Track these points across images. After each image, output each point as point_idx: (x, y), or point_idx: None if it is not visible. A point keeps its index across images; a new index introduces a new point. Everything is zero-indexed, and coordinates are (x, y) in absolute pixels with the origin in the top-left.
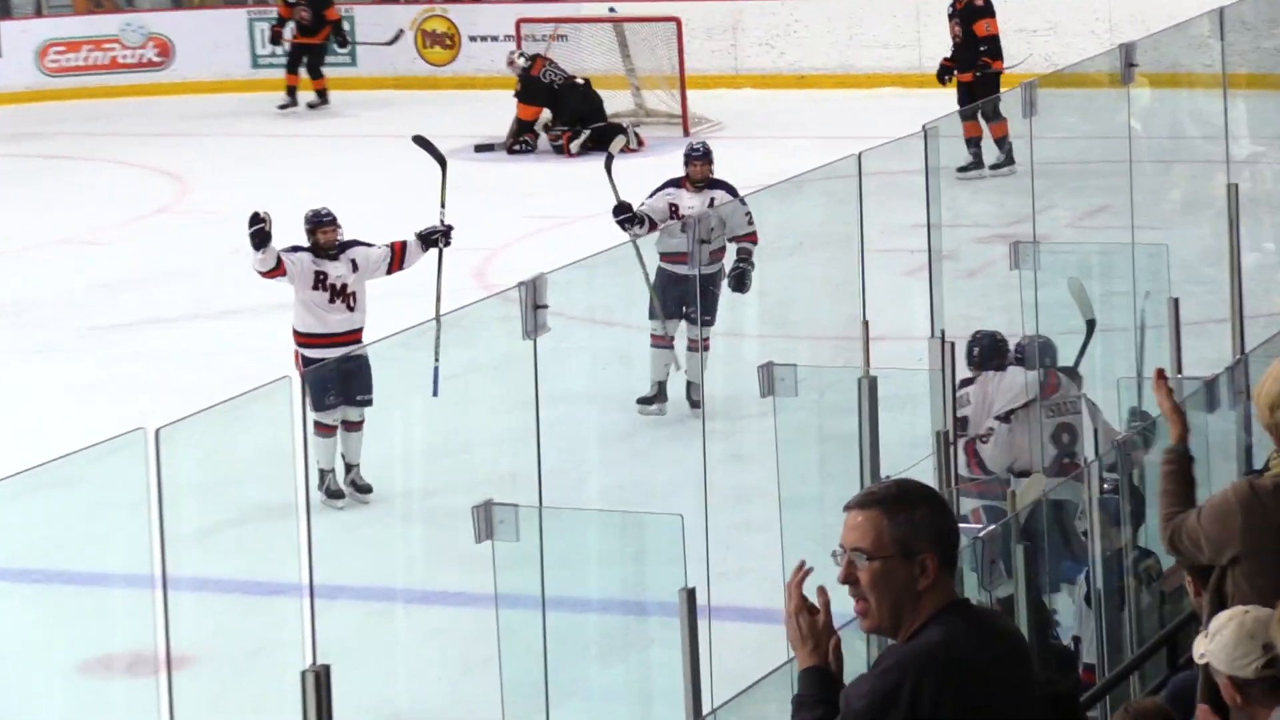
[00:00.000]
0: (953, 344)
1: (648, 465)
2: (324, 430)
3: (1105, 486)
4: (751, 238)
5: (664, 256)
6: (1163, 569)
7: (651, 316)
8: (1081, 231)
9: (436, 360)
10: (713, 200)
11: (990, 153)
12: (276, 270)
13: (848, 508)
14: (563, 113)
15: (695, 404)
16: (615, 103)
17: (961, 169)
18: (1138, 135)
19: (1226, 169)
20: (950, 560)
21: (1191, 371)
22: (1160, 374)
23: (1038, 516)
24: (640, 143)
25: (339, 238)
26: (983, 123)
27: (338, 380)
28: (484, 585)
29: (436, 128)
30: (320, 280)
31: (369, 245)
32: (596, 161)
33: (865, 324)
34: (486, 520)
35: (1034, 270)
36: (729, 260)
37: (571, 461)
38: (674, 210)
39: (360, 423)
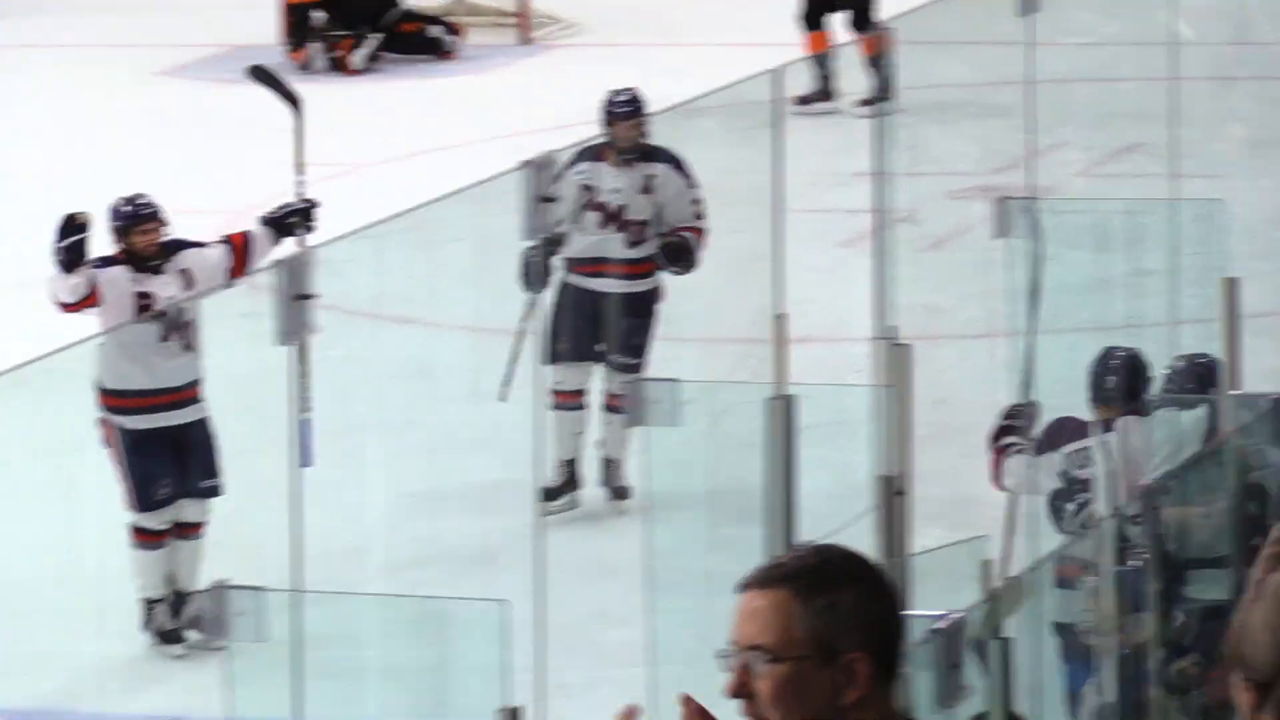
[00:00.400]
0: (909, 347)
1: (459, 529)
2: (149, 539)
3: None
4: (698, 233)
5: (574, 265)
6: (1205, 672)
7: (549, 360)
8: (1100, 181)
9: (305, 410)
10: (649, 180)
11: (856, 80)
12: (89, 300)
13: (743, 587)
14: (341, 9)
15: (619, 493)
16: None
17: (801, 99)
18: (1185, 42)
19: None
20: (890, 662)
21: (1254, 385)
22: None
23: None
24: (456, 32)
25: (162, 238)
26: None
27: (171, 460)
28: (213, 706)
29: (142, 36)
30: (145, 307)
31: (199, 245)
32: (390, 81)
33: (781, 319)
34: (219, 611)
35: (1033, 238)
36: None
37: (347, 523)
38: (590, 197)
39: (200, 525)
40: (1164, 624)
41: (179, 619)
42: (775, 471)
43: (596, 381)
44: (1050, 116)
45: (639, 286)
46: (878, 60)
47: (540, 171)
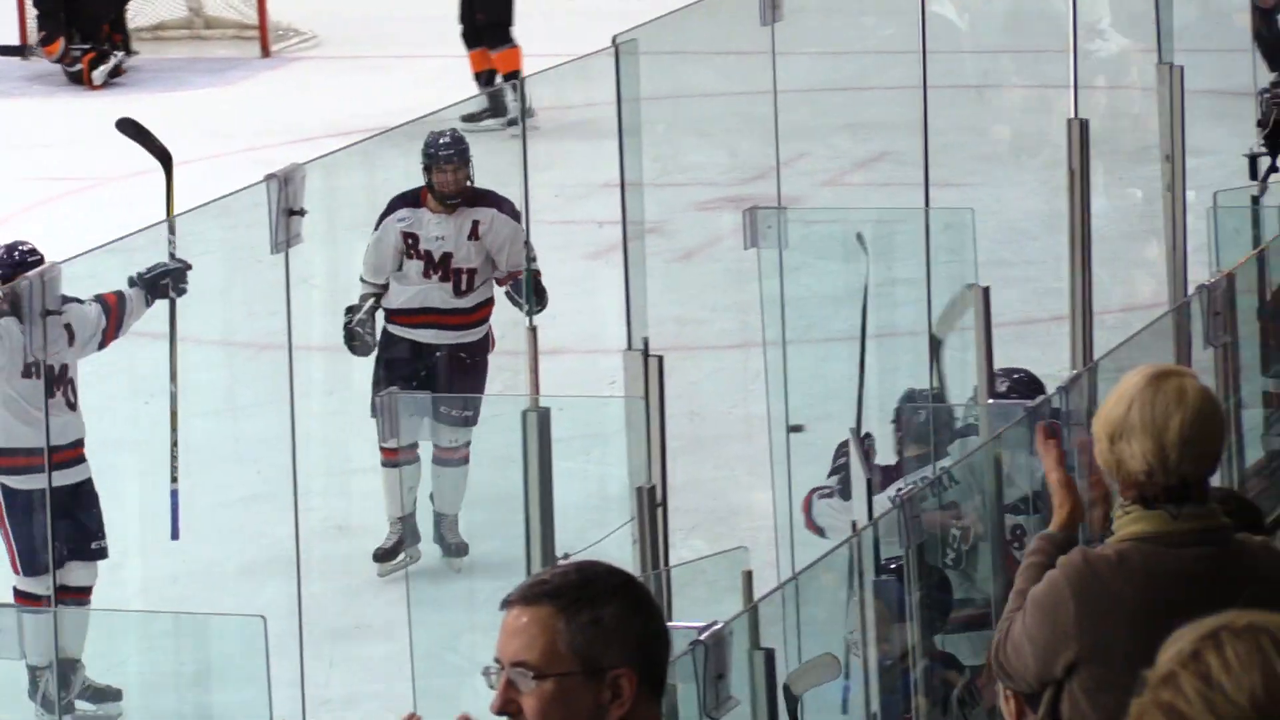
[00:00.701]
0: (660, 359)
1: (215, 543)
2: (35, 604)
3: (886, 564)
4: (536, 275)
5: (395, 315)
6: (974, 684)
7: (375, 413)
8: (848, 191)
9: (175, 479)
10: (476, 226)
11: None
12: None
13: (506, 604)
14: (80, 20)
15: (453, 549)
16: (158, 8)
17: (467, 116)
18: (943, 47)
19: (1073, 94)
20: (656, 677)
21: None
22: (1047, 433)
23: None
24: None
25: None
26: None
27: (57, 522)
28: None
29: None
30: (33, 361)
31: (77, 300)
32: (132, 94)
33: (532, 331)
34: None
35: (779, 248)
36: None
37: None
38: (411, 245)
39: (88, 589)
40: (924, 632)
41: (68, 689)
42: (533, 484)
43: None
44: (796, 125)
45: (468, 337)
46: (481, 76)
47: (286, 184)
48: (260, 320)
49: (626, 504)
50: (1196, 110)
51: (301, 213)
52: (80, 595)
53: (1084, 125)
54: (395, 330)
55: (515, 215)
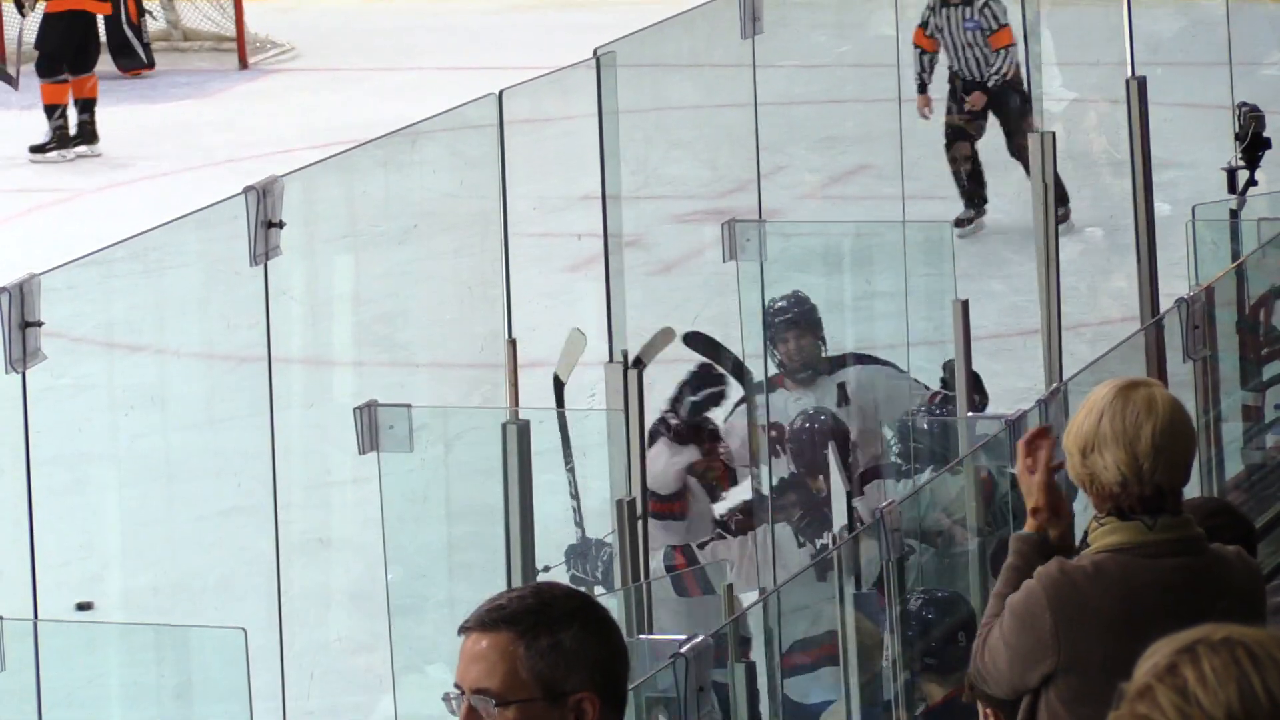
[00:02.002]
0: (640, 372)
1: (196, 556)
2: None
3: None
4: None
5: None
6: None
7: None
8: (828, 204)
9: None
10: (842, 389)
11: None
12: (682, 500)
13: (465, 629)
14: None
15: None
16: None
17: (35, 148)
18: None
19: (1039, 109)
20: (617, 698)
21: (990, 405)
22: (1039, 433)
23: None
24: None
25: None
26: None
27: None
28: None
29: None
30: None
31: None
32: (109, 106)
33: (512, 344)
34: None
35: (759, 261)
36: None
37: (84, 551)
38: (776, 440)
39: None
40: (904, 644)
41: None
42: (513, 497)
43: None
44: (775, 137)
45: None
46: (50, 109)
47: (264, 196)
48: (239, 333)
49: (607, 517)
50: (1176, 123)
51: (280, 225)
52: None
53: (1052, 139)
54: None
55: (880, 360)
